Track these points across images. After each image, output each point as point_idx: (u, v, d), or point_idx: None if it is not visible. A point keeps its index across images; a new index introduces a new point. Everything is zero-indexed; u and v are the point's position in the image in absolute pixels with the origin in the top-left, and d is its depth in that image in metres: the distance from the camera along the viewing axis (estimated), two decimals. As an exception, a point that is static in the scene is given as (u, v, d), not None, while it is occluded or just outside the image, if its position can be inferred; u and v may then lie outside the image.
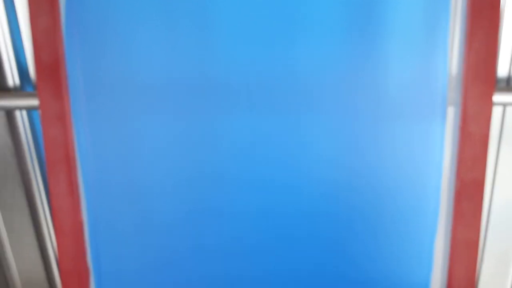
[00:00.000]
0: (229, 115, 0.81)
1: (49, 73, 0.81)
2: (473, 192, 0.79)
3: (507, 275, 0.95)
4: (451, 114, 0.80)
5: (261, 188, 0.84)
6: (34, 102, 0.89)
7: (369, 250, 0.84)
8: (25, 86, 0.95)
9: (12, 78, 0.92)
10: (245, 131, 0.82)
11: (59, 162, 0.85)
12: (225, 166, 0.84)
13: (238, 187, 0.84)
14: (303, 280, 0.87)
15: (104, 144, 0.85)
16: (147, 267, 0.90)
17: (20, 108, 0.91)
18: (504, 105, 0.82)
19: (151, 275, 0.90)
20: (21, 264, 1.11)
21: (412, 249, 0.83)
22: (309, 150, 0.81)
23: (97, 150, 0.85)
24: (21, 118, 0.97)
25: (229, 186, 0.85)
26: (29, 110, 0.95)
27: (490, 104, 0.76)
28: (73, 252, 0.88)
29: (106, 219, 0.88)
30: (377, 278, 0.85)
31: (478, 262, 0.91)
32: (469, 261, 0.81)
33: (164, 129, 0.83)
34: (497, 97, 0.79)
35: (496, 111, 0.86)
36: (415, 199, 0.81)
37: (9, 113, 0.94)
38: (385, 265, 0.84)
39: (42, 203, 1.05)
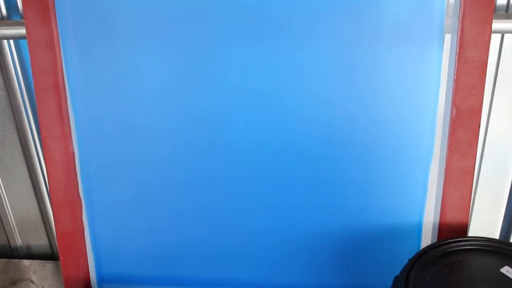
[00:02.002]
0: (226, 46, 0.79)
1: (36, -1, 0.79)
2: (469, 120, 0.78)
3: (501, 209, 0.95)
4: (448, 42, 0.77)
5: (256, 127, 0.84)
6: (22, 31, 0.87)
7: (362, 178, 0.83)
8: (12, 17, 0.92)
9: (-1, 8, 0.90)
10: (240, 63, 0.81)
11: (48, 90, 0.83)
12: (220, 103, 0.82)
13: (232, 124, 0.83)
14: (296, 214, 0.86)
15: (94, 72, 0.83)
16: (139, 200, 0.89)
17: (8, 38, 0.88)
18: (502, 32, 0.80)
19: (143, 209, 0.89)
20: (13, 199, 1.10)
21: (406, 178, 0.82)
22: (304, 72, 0.79)
23: (86, 78, 0.83)
24: (9, 49, 0.95)
25: (224, 123, 0.83)
26: (17, 39, 0.93)
27: (488, 30, 0.74)
28: (65, 183, 0.88)
29: (97, 152, 0.87)
30: (371, 209, 0.85)
31: (472, 196, 0.90)
32: (463, 190, 0.81)
33: (157, 58, 0.81)
34: (496, 25, 0.77)
35: (494, 39, 0.84)
36: (410, 127, 0.80)
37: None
38: (379, 195, 0.84)
39: (33, 135, 1.04)
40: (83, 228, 0.92)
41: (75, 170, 0.88)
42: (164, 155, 0.86)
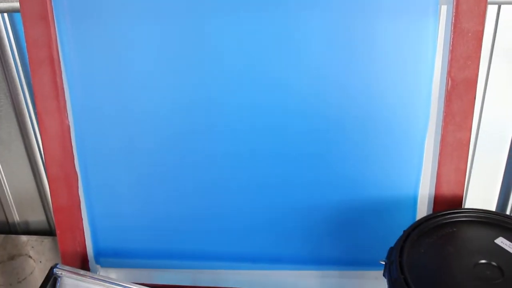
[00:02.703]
0: (219, 18, 0.79)
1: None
2: (465, 91, 0.78)
3: (497, 182, 0.94)
4: (444, 13, 0.77)
5: (250, 103, 0.84)
6: (16, 4, 0.87)
7: (357, 151, 0.83)
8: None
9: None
10: (234, 36, 0.80)
11: (42, 63, 0.83)
12: (213, 77, 0.82)
13: (226, 100, 0.83)
14: (292, 189, 0.87)
15: (88, 46, 0.83)
16: (136, 174, 0.89)
17: (1, 11, 0.88)
18: (499, 4, 0.80)
19: (139, 183, 0.89)
20: (11, 175, 1.11)
21: (401, 151, 0.82)
22: (299, 44, 0.79)
23: (81, 51, 0.83)
24: (3, 22, 0.94)
25: (217, 99, 0.84)
26: (11, 13, 0.92)
27: (484, 1, 0.74)
28: (60, 157, 0.88)
29: (92, 126, 0.87)
30: (366, 182, 0.85)
31: (468, 168, 0.90)
32: (459, 162, 0.81)
33: (151, 30, 0.81)
34: (493, -5, 0.77)
35: (491, 11, 0.83)
36: (405, 99, 0.79)
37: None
38: (374, 168, 0.84)
39: (29, 111, 1.03)
40: (79, 202, 0.92)
41: (71, 144, 0.88)
42: (161, 128, 0.86)
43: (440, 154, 0.81)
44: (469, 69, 0.77)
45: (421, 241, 0.73)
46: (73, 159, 0.89)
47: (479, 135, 0.91)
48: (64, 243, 0.93)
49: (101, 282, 0.83)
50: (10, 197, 1.15)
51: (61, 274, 0.84)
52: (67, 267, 0.85)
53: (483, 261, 0.69)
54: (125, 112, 0.86)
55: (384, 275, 0.72)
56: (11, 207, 1.16)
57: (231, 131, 0.85)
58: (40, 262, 1.07)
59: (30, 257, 1.09)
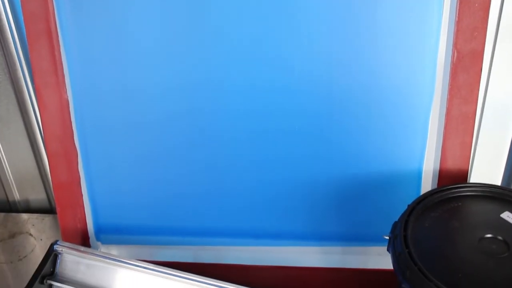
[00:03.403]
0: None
1: None
2: (471, 64, 0.76)
3: (503, 156, 0.93)
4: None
5: (252, 82, 0.83)
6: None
7: (362, 125, 0.82)
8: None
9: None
10: (236, 17, 0.80)
11: (40, 37, 0.82)
12: (215, 57, 0.82)
13: (228, 79, 0.83)
14: (295, 164, 0.86)
15: (87, 18, 0.81)
16: (136, 150, 0.88)
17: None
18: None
19: (140, 159, 0.88)
20: (10, 153, 1.10)
21: (406, 124, 0.81)
22: (301, 21, 0.78)
23: (79, 24, 0.81)
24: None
25: (220, 78, 0.83)
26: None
27: (491, -30, 0.72)
28: (60, 132, 0.87)
29: (91, 101, 0.86)
30: (370, 156, 0.84)
31: (473, 142, 0.89)
32: (464, 136, 0.79)
33: (151, 4, 0.79)
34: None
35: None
36: (410, 72, 0.78)
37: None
38: (378, 142, 0.82)
39: (27, 87, 1.02)
40: (79, 178, 0.91)
41: (70, 119, 0.87)
42: (162, 103, 0.84)
43: (445, 127, 0.80)
44: (476, 40, 0.75)
45: (425, 215, 0.72)
46: (73, 135, 0.88)
47: (485, 108, 0.90)
48: (64, 220, 0.93)
49: (102, 259, 0.83)
50: (10, 175, 1.14)
51: (62, 250, 0.83)
52: (67, 244, 0.84)
53: (488, 235, 0.68)
54: (125, 88, 0.85)
55: (388, 249, 0.71)
56: (11, 185, 1.16)
57: (232, 109, 0.84)
58: (41, 240, 1.07)
59: (30, 235, 1.08)
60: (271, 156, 0.86)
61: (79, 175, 0.90)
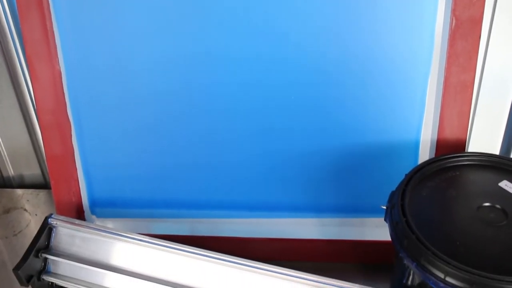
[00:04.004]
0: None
1: None
2: (469, 31, 0.75)
3: (501, 126, 0.92)
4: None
5: (249, 54, 0.82)
6: None
7: (358, 94, 0.81)
8: None
9: None
10: None
11: (31, 6, 0.81)
12: (212, 30, 0.81)
13: (224, 51, 0.82)
14: (291, 134, 0.85)
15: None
16: (130, 123, 0.87)
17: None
18: None
19: (134, 132, 0.87)
20: (3, 128, 1.09)
21: (403, 93, 0.80)
22: None
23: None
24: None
25: (215, 49, 0.82)
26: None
27: None
28: (52, 104, 0.86)
29: (84, 71, 0.85)
30: (367, 126, 0.83)
31: (472, 111, 0.88)
32: (462, 105, 0.79)
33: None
34: None
35: None
36: (408, 40, 0.77)
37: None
38: (375, 112, 0.82)
39: (20, 60, 1.01)
40: (73, 151, 0.90)
41: (63, 91, 0.86)
42: (156, 75, 0.83)
43: (443, 96, 0.79)
44: (475, 7, 0.74)
45: (423, 184, 0.72)
46: (66, 107, 0.87)
47: (483, 77, 0.89)
48: (58, 194, 0.92)
49: (97, 232, 0.82)
50: (4, 150, 1.13)
51: (56, 224, 0.83)
52: (62, 217, 0.84)
53: (486, 204, 0.68)
54: (119, 58, 0.84)
55: (385, 219, 0.70)
56: (5, 160, 1.15)
57: (226, 80, 0.83)
58: (36, 215, 1.06)
59: (25, 210, 1.08)
60: (267, 127, 0.85)
61: (73, 148, 0.90)
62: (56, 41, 0.83)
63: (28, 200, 1.10)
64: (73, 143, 0.89)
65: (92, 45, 0.83)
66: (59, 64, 0.85)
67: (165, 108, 0.85)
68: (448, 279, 0.58)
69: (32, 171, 1.16)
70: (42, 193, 1.12)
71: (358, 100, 0.81)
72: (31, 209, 1.08)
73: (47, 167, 1.02)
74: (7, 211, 1.07)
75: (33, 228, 1.02)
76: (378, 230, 0.86)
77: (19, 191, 1.13)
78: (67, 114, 0.87)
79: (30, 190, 1.13)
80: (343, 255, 0.89)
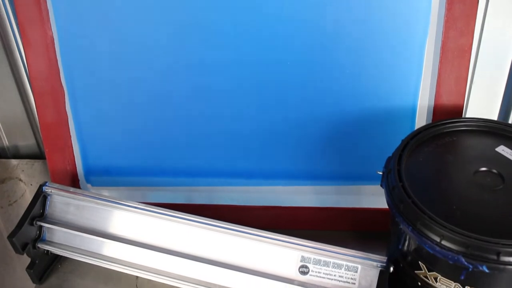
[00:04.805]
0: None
1: None
2: (468, -6, 0.74)
3: (499, 91, 0.91)
4: None
5: (244, 27, 0.81)
6: None
7: (354, 60, 0.80)
8: None
9: None
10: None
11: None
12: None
13: (219, 22, 0.80)
14: (287, 100, 0.84)
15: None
16: (124, 90, 0.87)
17: None
18: None
19: (128, 99, 0.87)
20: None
21: (400, 59, 0.79)
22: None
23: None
24: None
25: (211, 19, 0.81)
26: None
27: None
28: (45, 70, 0.85)
29: (78, 37, 0.84)
30: (363, 92, 0.82)
31: (469, 77, 0.87)
32: (460, 70, 0.78)
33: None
34: None
35: None
36: (404, 2, 0.75)
37: None
38: (371, 77, 0.81)
39: (12, 29, 0.99)
40: (67, 118, 0.89)
41: (56, 57, 0.85)
42: (151, 40, 0.82)
43: (440, 61, 0.78)
44: (473, -31, 0.72)
45: (420, 150, 0.71)
46: (59, 72, 0.86)
47: (481, 41, 0.87)
48: (53, 162, 0.91)
49: (92, 199, 0.82)
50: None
51: (51, 192, 0.82)
52: (56, 185, 0.83)
53: (483, 168, 0.68)
54: (112, 22, 0.83)
55: (381, 185, 0.70)
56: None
57: (220, 43, 0.83)
58: (31, 185, 1.06)
59: (20, 180, 1.07)
60: (262, 94, 0.84)
61: (67, 115, 0.89)
62: (48, 6, 0.82)
63: (23, 170, 1.09)
64: (67, 110, 0.88)
65: (85, 9, 0.82)
66: (51, 29, 0.83)
67: (159, 76, 0.84)
68: (444, 242, 0.58)
69: (27, 141, 1.15)
70: (37, 163, 1.11)
71: (355, 66, 0.80)
72: (26, 179, 1.07)
73: (41, 136, 1.01)
74: (2, 181, 1.07)
75: (28, 198, 1.02)
76: (374, 198, 0.86)
77: (14, 161, 1.12)
78: (60, 80, 0.86)
79: (25, 161, 1.12)
80: (340, 223, 0.89)
